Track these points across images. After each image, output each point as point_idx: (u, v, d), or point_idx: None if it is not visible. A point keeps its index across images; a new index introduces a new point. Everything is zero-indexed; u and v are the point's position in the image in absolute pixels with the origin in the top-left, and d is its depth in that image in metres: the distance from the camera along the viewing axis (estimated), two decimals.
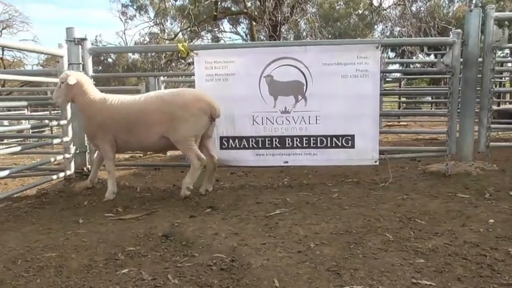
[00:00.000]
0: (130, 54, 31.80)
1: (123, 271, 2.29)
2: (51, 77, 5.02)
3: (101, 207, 3.72)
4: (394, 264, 2.27)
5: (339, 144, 4.32)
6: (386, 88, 9.81)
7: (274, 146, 4.37)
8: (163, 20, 24.48)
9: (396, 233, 2.76)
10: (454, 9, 22.81)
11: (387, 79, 10.72)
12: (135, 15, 27.31)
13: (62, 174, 4.65)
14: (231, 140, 4.42)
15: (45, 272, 2.31)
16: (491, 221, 2.91)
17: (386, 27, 21.62)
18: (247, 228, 2.97)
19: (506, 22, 4.52)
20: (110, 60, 34.25)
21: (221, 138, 4.42)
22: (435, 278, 2.07)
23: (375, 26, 25.02)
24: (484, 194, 3.66)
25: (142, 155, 7.48)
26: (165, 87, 8.99)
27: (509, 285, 1.95)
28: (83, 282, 2.17)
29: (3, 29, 27.28)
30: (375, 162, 4.38)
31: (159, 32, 25.00)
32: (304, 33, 19.45)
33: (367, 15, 23.52)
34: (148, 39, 26.12)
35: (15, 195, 4.18)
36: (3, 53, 26.88)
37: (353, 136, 4.31)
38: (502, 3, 20.67)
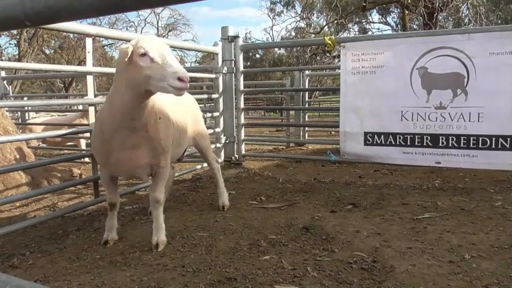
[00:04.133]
0: (276, 49, 33.09)
1: (265, 257, 2.40)
2: (207, 73, 5.55)
3: (246, 194, 3.97)
4: None
5: (507, 146, 3.72)
6: None
7: (425, 144, 4.02)
8: (309, 14, 24.78)
9: None
10: None
11: None
12: (282, 11, 28.29)
13: None
14: (376, 136, 4.22)
15: (197, 249, 2.58)
16: None
17: None
18: (391, 229, 2.81)
19: None
20: (257, 55, 36.24)
21: (365, 133, 4.27)
22: None
23: None
24: None
25: (284, 146, 7.75)
26: (309, 81, 9.11)
27: None
28: (229, 262, 2.36)
29: (169, 31, 31.38)
30: None
31: (305, 26, 25.37)
32: (466, 20, 17.30)
33: None
34: (293, 34, 26.78)
35: (175, 179, 4.76)
36: None
37: None
38: None
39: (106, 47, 27.42)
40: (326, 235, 2.71)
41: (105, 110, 2.46)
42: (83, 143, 7.00)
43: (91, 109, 3.76)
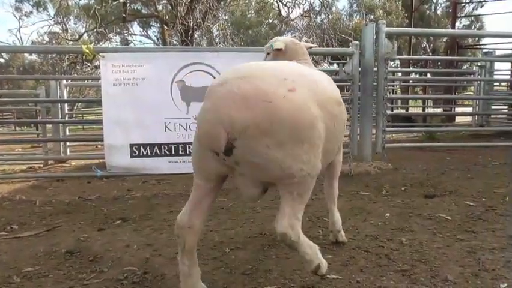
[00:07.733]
0: (26, 54, 29.18)
1: None
2: None
3: None
4: None
5: None
6: None
7: (188, 152, 4.31)
8: (65, 19, 22.90)
9: (306, 232, 2.85)
10: (353, 22, 24.84)
11: None
12: (32, 12, 25.19)
13: None
14: (142, 148, 4.26)
15: None
16: (387, 214, 3.22)
17: (294, 36, 22.69)
18: (160, 238, 2.89)
19: (395, 36, 5.04)
20: (2, 60, 31.10)
21: (131, 145, 4.25)
22: (342, 272, 2.22)
23: (284, 35, 26.13)
24: (381, 190, 4.03)
25: (42, 165, 6.90)
26: (69, 92, 8.38)
27: (403, 271, 2.17)
28: None
29: None
30: None
31: (61, 31, 23.29)
32: (217, 40, 19.58)
33: (276, 25, 24.51)
34: (47, 39, 24.18)
35: None
36: None
37: None
38: (390, 17, 23.08)
39: None
40: (93, 256, 2.55)
41: None
42: None
43: None
